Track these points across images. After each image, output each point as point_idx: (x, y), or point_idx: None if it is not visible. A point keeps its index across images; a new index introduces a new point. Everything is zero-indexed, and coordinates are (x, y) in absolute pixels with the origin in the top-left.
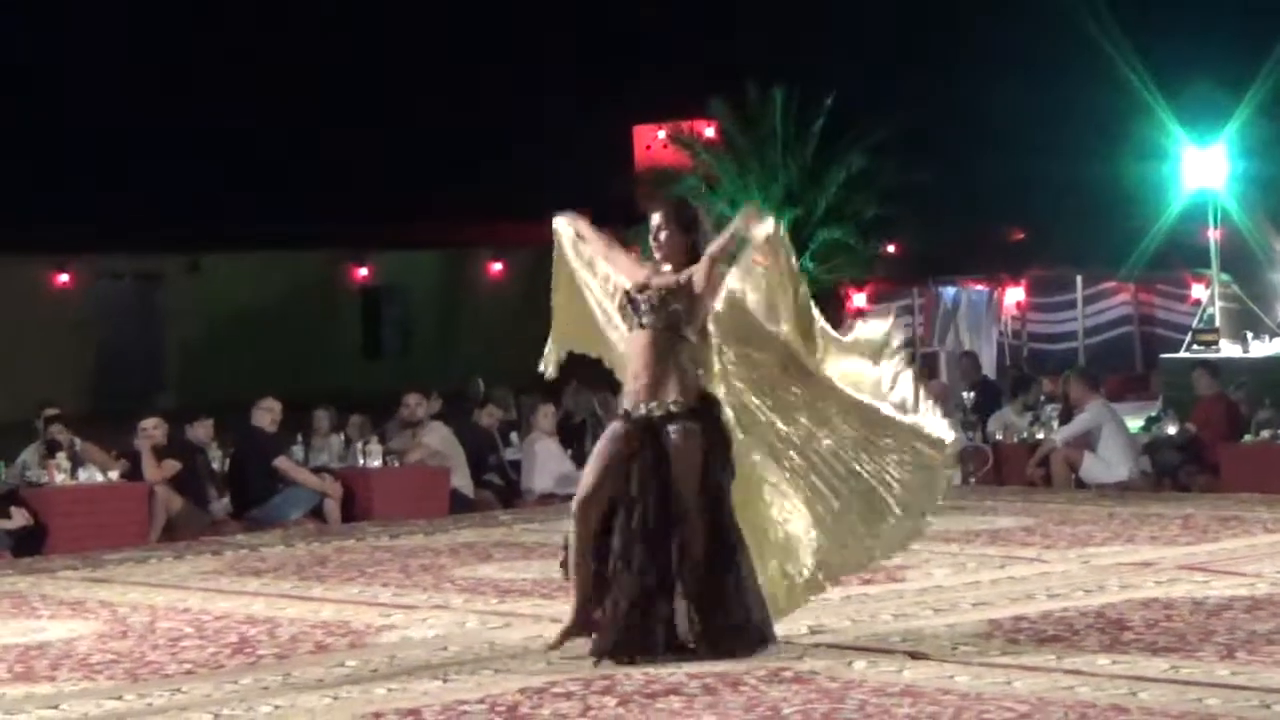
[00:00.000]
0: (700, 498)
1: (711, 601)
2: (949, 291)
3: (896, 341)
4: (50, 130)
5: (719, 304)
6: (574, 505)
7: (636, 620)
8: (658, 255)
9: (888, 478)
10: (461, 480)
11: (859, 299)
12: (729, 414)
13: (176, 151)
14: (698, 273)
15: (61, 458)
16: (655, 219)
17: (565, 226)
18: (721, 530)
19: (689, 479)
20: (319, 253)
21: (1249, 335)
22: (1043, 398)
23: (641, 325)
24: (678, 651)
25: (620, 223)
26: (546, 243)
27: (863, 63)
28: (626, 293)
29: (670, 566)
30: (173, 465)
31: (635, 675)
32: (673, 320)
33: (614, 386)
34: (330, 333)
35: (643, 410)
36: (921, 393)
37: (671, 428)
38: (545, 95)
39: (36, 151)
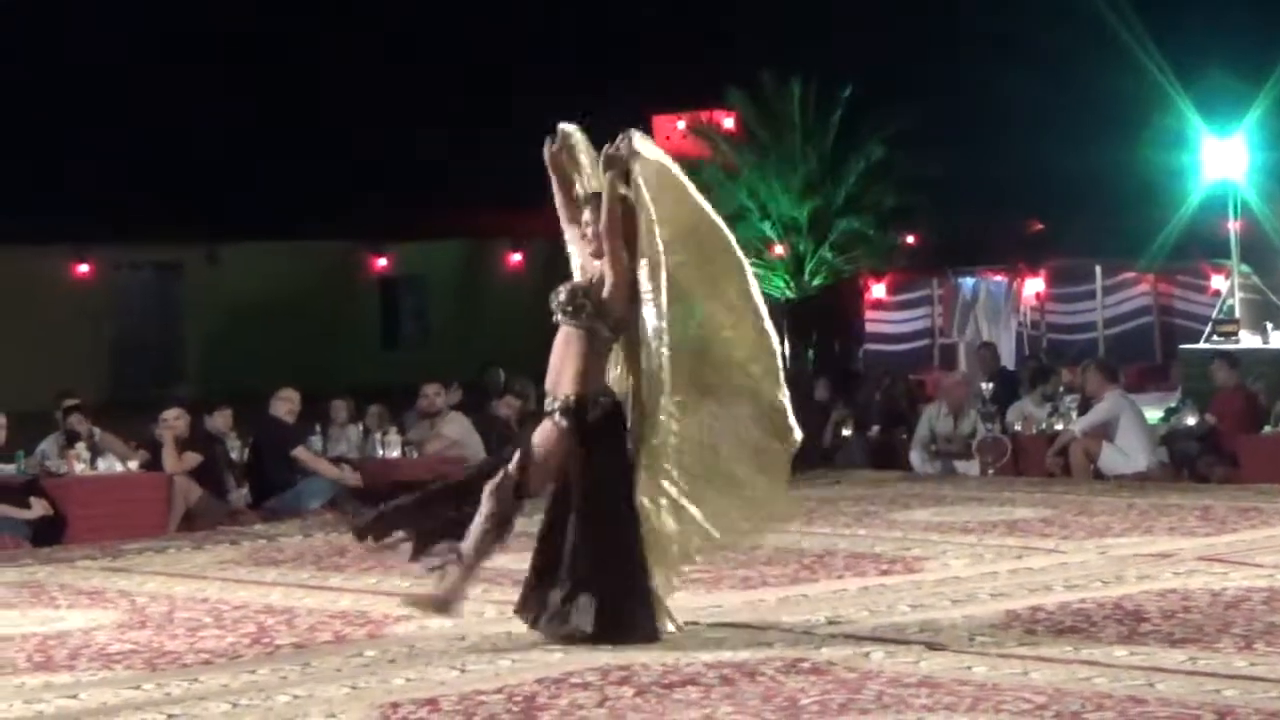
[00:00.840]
0: (581, 488)
1: (598, 591)
2: (968, 282)
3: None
4: (70, 122)
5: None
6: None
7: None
8: (589, 250)
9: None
10: None
11: (878, 289)
12: (619, 406)
13: (196, 142)
14: (604, 265)
15: (81, 448)
16: (587, 214)
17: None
18: (606, 521)
19: (572, 471)
20: (337, 243)
21: (1269, 326)
22: (1061, 388)
23: (557, 320)
24: (566, 640)
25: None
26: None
27: (881, 53)
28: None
29: (559, 554)
30: (193, 458)
31: (653, 666)
32: (580, 315)
33: None
34: (349, 323)
35: (546, 404)
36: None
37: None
38: (564, 85)
39: (56, 143)
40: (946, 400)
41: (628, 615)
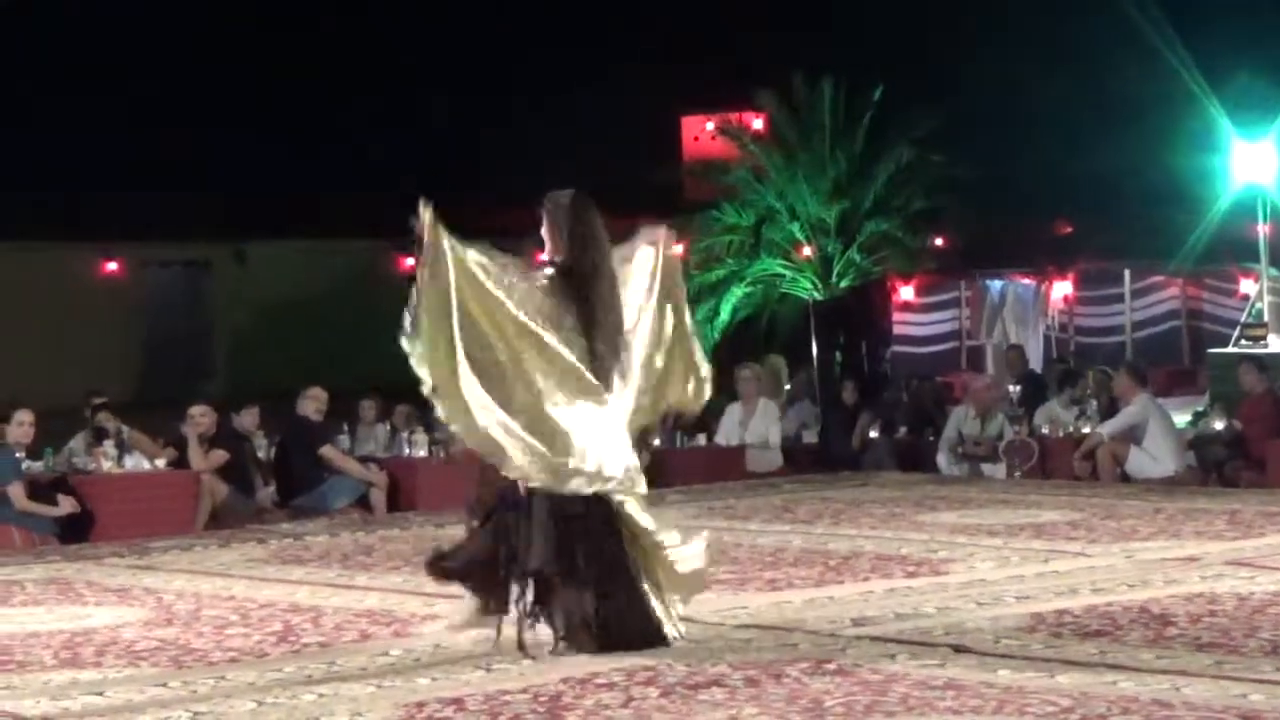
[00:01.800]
0: None
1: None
2: (996, 285)
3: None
4: (99, 118)
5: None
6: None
7: None
8: None
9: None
10: None
11: (906, 292)
12: None
13: (225, 140)
14: None
15: (109, 445)
16: None
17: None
18: None
19: None
20: (364, 242)
21: None
22: (1089, 391)
23: None
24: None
25: (666, 212)
26: None
27: (911, 54)
28: None
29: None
30: (220, 456)
31: (678, 666)
32: None
33: None
34: (376, 322)
35: None
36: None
37: None
38: (592, 84)
39: (85, 139)
40: (974, 403)
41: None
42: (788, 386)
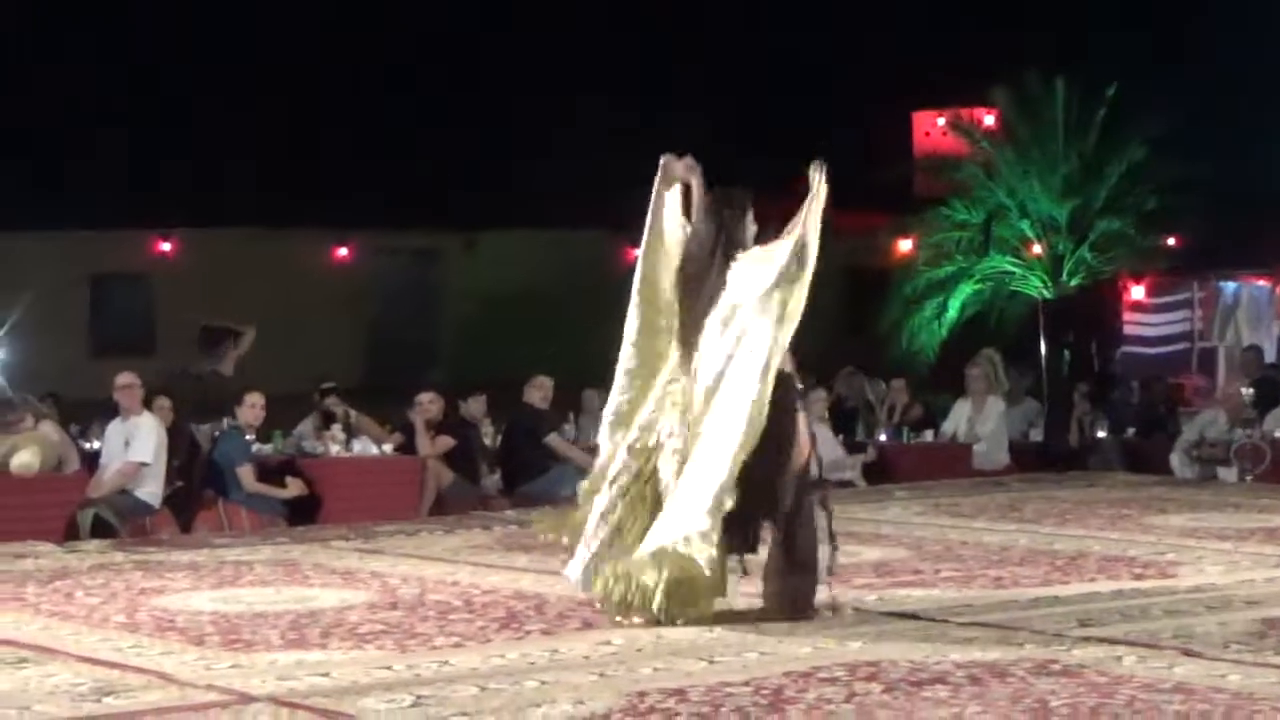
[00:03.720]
0: None
1: None
2: (1229, 286)
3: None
4: (331, 107)
5: None
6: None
7: None
8: None
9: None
10: None
11: (1137, 291)
12: None
13: (455, 131)
14: None
15: (336, 429)
16: None
17: None
18: None
19: None
20: (592, 232)
21: None
22: None
23: None
24: None
25: (898, 209)
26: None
27: (1147, 51)
28: None
29: None
30: (446, 442)
31: (901, 663)
32: None
33: (887, 374)
34: (604, 313)
35: None
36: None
37: None
38: (823, 82)
39: (317, 126)
40: (1226, 408)
41: None
42: (1007, 382)
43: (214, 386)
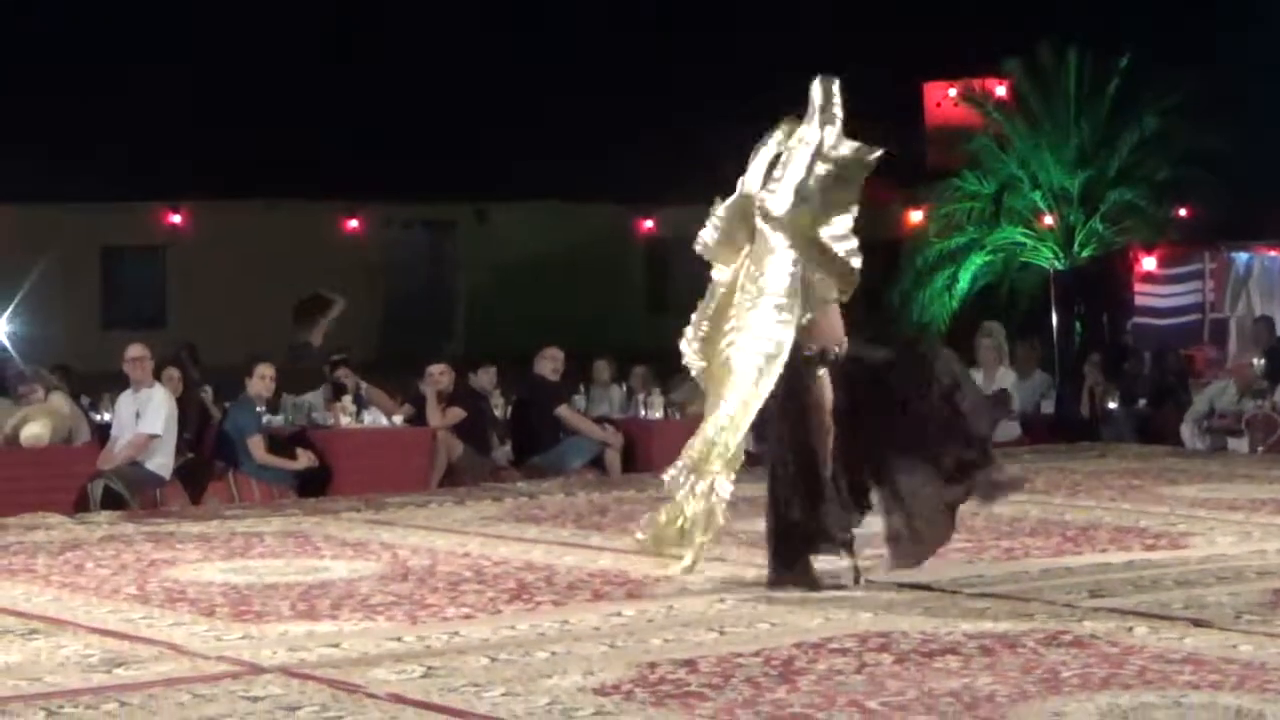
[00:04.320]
0: None
1: None
2: (1242, 257)
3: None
4: (343, 79)
5: None
6: None
7: None
8: None
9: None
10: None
11: (1148, 262)
12: None
13: (468, 102)
14: None
15: (347, 401)
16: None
17: None
18: None
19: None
20: (604, 205)
21: None
22: None
23: None
24: None
25: (910, 180)
26: None
27: (1163, 21)
28: None
29: None
30: (457, 413)
31: (912, 634)
32: None
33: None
34: (616, 285)
35: None
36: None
37: None
38: (834, 52)
39: (328, 98)
40: (1237, 379)
41: None
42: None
43: (305, 357)
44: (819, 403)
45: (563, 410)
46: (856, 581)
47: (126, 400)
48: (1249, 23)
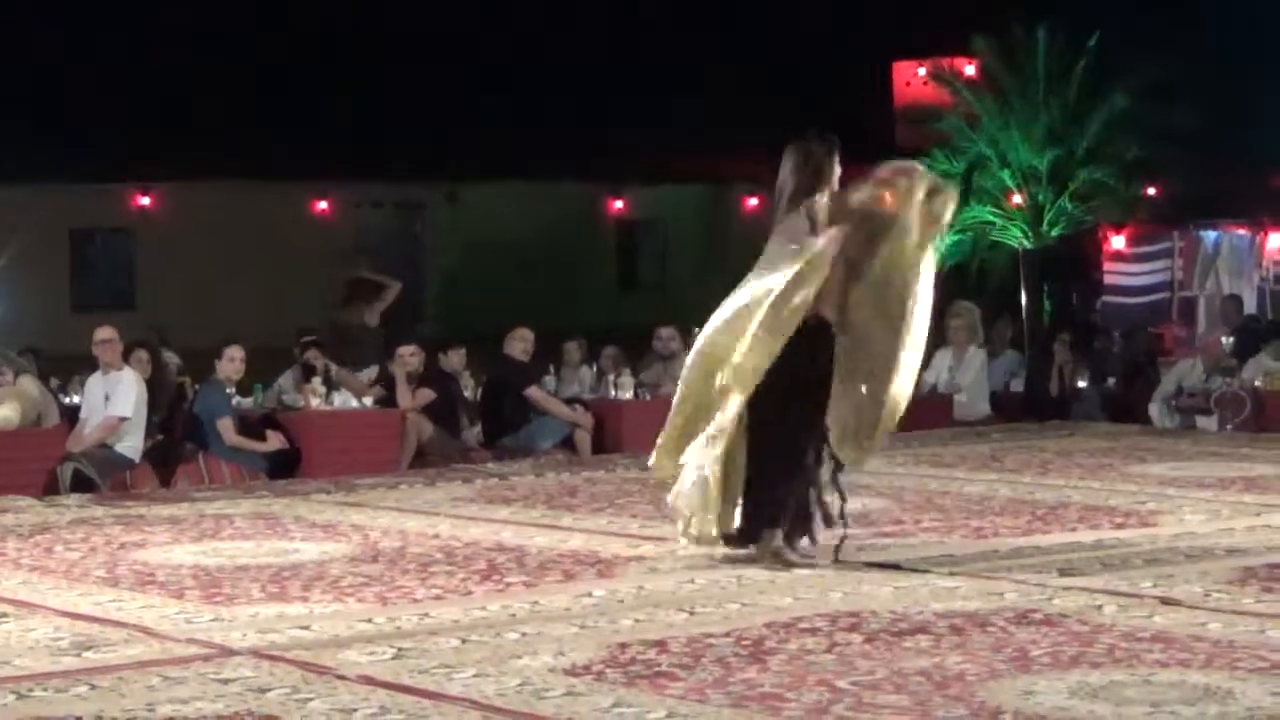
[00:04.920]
0: None
1: None
2: (1210, 235)
3: None
4: (313, 59)
5: None
6: None
7: None
8: None
9: None
10: None
11: (1117, 241)
12: None
13: (436, 82)
14: None
15: (317, 383)
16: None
17: None
18: None
19: None
20: (575, 185)
21: None
22: None
23: None
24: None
25: (879, 159)
26: None
27: (1131, 2)
28: None
29: None
30: (427, 395)
31: (882, 613)
32: None
33: None
34: (586, 265)
35: None
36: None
37: None
38: (806, 33)
39: (295, 78)
40: (1205, 357)
41: None
42: (984, 334)
43: (359, 338)
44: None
45: (533, 391)
46: (838, 554)
47: (96, 383)
48: (1217, 3)
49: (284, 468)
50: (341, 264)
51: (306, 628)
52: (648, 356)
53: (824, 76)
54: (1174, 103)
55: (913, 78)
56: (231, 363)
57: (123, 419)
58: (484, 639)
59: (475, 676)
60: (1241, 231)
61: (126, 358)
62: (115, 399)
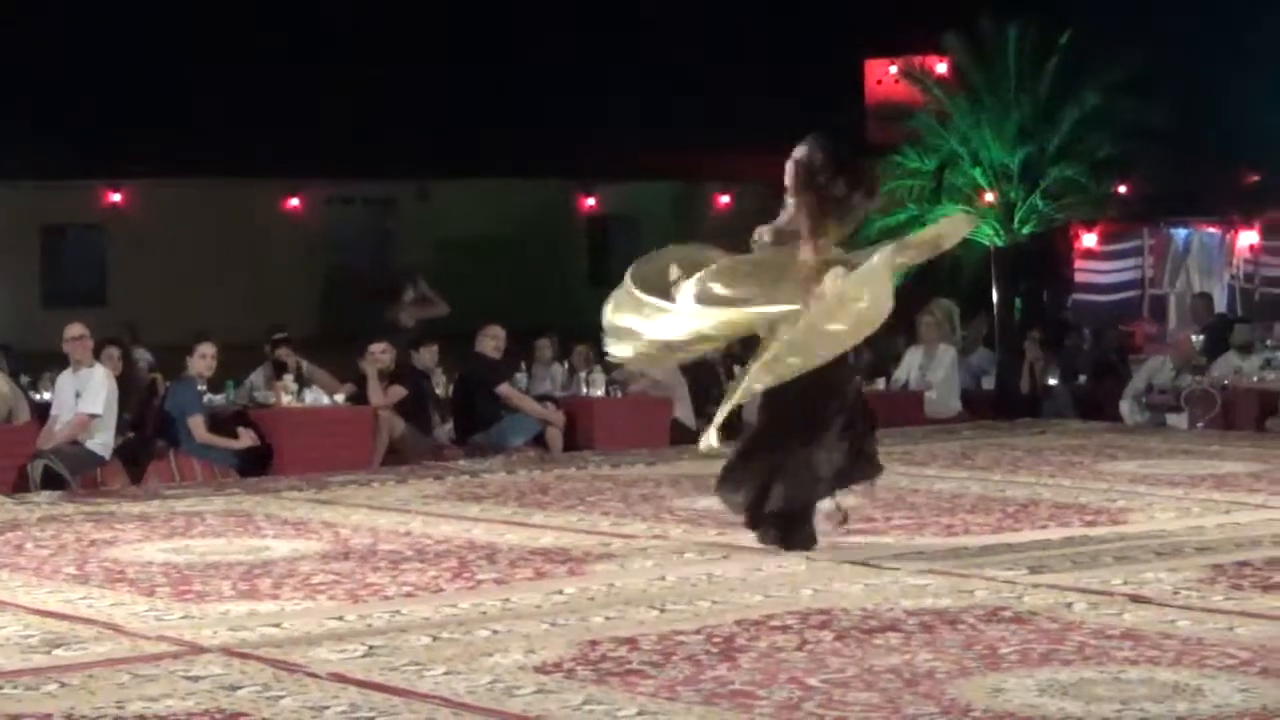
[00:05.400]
0: None
1: None
2: (1181, 233)
3: None
4: (284, 57)
5: None
6: None
7: None
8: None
9: None
10: (683, 411)
11: (1088, 239)
12: None
13: (408, 79)
14: None
15: (288, 380)
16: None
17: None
18: None
19: None
20: (547, 181)
21: None
22: (1269, 342)
23: None
24: None
25: (849, 158)
26: (776, 176)
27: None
28: None
29: None
30: (398, 392)
31: (853, 611)
32: None
33: None
34: (558, 262)
35: None
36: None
37: None
38: (776, 27)
39: (267, 74)
40: (1174, 355)
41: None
42: (962, 332)
43: (393, 336)
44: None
45: (504, 388)
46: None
47: (66, 380)
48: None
49: (255, 465)
50: (312, 261)
51: (277, 625)
52: None
53: (795, 75)
54: (1145, 100)
55: (884, 75)
56: (203, 359)
57: (93, 416)
58: (455, 636)
59: (446, 674)
60: (1212, 229)
61: (98, 355)
62: (86, 396)
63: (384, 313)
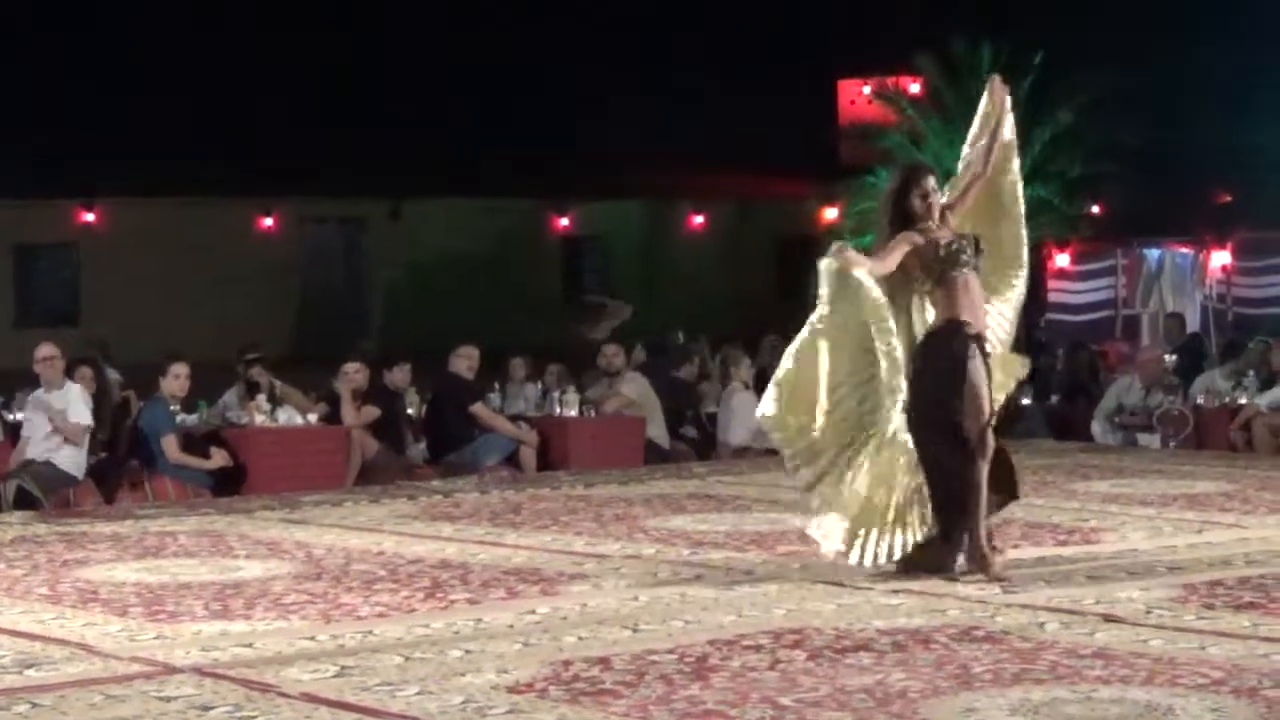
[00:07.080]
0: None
1: None
2: (1153, 253)
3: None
4: (255, 77)
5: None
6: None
7: None
8: (934, 213)
9: None
10: (657, 431)
11: (1061, 259)
12: None
13: (381, 98)
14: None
15: (261, 399)
16: (930, 181)
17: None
18: None
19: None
20: (520, 201)
21: None
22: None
23: (973, 268)
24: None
25: (824, 177)
26: (747, 196)
27: (1078, 20)
28: (947, 244)
29: None
30: (371, 412)
31: (825, 630)
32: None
33: None
34: (531, 282)
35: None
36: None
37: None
38: (749, 50)
39: (244, 97)
40: (1141, 374)
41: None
42: None
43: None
44: None
45: (477, 408)
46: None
47: (38, 400)
48: (1163, 20)
49: (228, 485)
50: (284, 280)
51: (250, 645)
52: (592, 373)
53: (768, 95)
54: (1117, 120)
55: (857, 95)
56: (176, 379)
57: (86, 426)
58: (427, 656)
59: (418, 694)
60: (1184, 250)
61: (70, 375)
62: (71, 409)
63: (583, 334)
